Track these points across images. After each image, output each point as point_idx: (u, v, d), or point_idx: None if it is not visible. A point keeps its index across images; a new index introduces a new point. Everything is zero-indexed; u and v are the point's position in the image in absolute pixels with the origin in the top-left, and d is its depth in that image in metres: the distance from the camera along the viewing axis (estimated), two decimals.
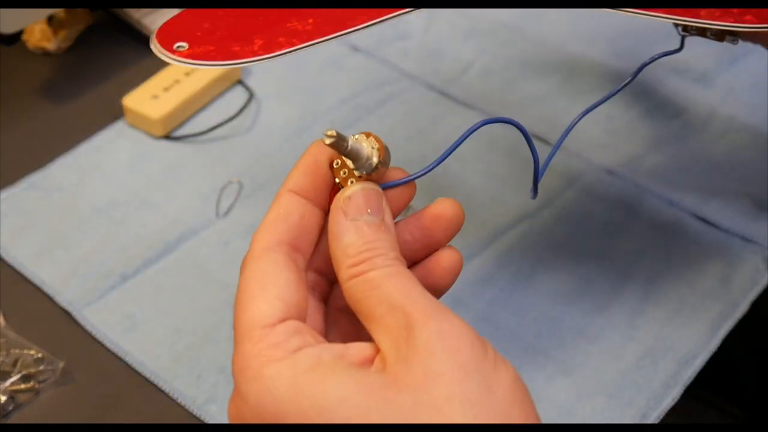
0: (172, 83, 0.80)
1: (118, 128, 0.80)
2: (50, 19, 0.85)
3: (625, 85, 0.59)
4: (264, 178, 0.76)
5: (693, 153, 0.78)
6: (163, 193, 0.75)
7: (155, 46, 0.47)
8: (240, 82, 0.84)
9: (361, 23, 0.50)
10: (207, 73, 0.81)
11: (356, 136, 0.42)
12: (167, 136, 0.79)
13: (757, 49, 0.84)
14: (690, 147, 0.78)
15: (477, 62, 0.86)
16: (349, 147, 0.42)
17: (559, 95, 0.83)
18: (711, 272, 0.69)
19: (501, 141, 0.78)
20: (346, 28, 0.51)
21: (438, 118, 0.81)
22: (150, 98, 0.79)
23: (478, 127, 0.46)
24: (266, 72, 0.85)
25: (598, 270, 0.69)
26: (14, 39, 0.87)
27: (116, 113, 0.81)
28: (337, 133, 0.41)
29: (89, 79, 0.85)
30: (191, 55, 0.47)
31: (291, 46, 0.48)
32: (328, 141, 0.40)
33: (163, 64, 0.83)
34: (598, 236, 0.71)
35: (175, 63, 0.46)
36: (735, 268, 0.69)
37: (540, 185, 0.57)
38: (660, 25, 0.76)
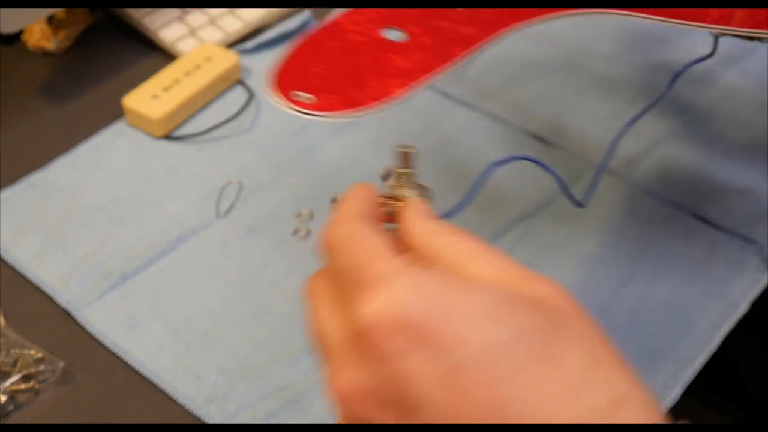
0: (172, 83, 0.80)
1: (118, 128, 0.80)
2: (50, 19, 0.85)
3: (662, 96, 0.58)
4: (264, 178, 0.76)
5: (693, 153, 0.78)
6: (163, 193, 0.75)
7: (276, 98, 0.50)
8: (240, 82, 0.84)
9: (458, 57, 0.53)
10: (207, 73, 0.81)
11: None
12: (167, 136, 0.79)
13: (759, 49, 0.84)
14: (690, 146, 0.78)
15: (477, 62, 0.86)
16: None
17: (559, 95, 0.83)
18: (711, 272, 0.69)
19: (498, 141, 0.78)
20: (448, 61, 0.53)
21: (438, 118, 0.81)
22: (150, 98, 0.79)
23: (500, 165, 0.48)
24: (266, 72, 0.85)
25: (598, 270, 0.69)
26: (14, 39, 0.87)
27: (116, 113, 0.81)
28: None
29: (89, 79, 0.85)
30: (318, 107, 0.48)
31: (404, 87, 0.52)
32: (409, 150, 0.46)
33: (163, 64, 0.83)
34: (598, 236, 0.71)
35: (307, 117, 0.47)
36: (735, 268, 0.69)
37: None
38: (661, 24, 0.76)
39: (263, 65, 0.86)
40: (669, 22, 0.55)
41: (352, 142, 0.79)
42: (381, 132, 0.80)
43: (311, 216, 0.74)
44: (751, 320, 0.68)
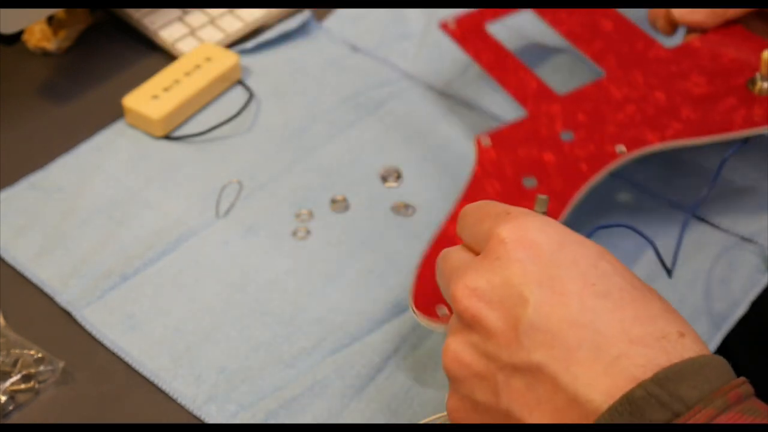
0: (172, 83, 0.80)
1: (118, 128, 0.80)
2: (50, 19, 0.85)
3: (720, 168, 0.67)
4: (264, 178, 0.76)
5: (693, 152, 0.78)
6: (163, 193, 0.75)
7: (425, 321, 0.59)
8: (240, 82, 0.84)
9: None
10: (207, 73, 0.81)
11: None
12: (167, 136, 0.79)
13: None
14: (690, 146, 0.78)
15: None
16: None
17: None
18: (711, 272, 0.69)
19: None
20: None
21: (438, 118, 0.81)
22: (150, 98, 0.79)
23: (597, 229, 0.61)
24: (266, 72, 0.85)
25: None
26: (14, 39, 0.87)
27: (116, 113, 0.81)
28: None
29: (89, 79, 0.85)
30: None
31: None
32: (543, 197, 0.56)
33: (163, 64, 0.83)
34: (598, 236, 0.71)
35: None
36: (735, 268, 0.69)
37: None
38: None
39: (263, 65, 0.86)
40: (702, 141, 0.67)
41: (351, 142, 0.79)
42: (380, 131, 0.80)
43: (311, 216, 0.74)
44: (751, 320, 0.68)
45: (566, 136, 0.68)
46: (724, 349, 0.66)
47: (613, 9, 0.76)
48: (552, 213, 0.60)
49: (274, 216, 0.73)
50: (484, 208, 0.52)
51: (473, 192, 0.65)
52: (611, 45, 0.75)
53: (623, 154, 0.66)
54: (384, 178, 0.76)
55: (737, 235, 0.71)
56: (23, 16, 0.79)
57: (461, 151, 0.78)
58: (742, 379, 0.46)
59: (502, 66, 0.75)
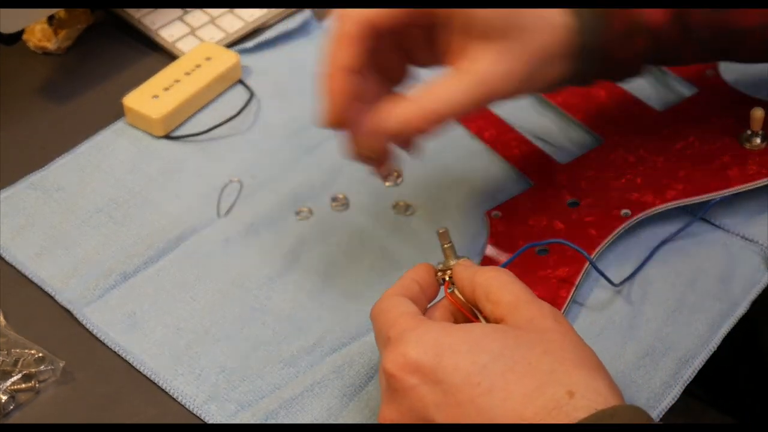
0: (172, 83, 0.80)
1: (118, 128, 0.80)
2: (50, 19, 0.85)
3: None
4: (264, 178, 0.76)
5: None
6: (164, 193, 0.75)
7: None
8: (240, 82, 0.84)
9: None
10: (207, 72, 0.81)
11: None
12: (167, 136, 0.79)
13: None
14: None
15: None
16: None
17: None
18: (711, 272, 0.69)
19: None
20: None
21: None
22: (150, 98, 0.79)
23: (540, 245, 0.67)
24: (266, 71, 0.85)
25: (592, 280, 0.68)
26: (14, 39, 0.87)
27: (116, 113, 0.81)
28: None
29: (89, 79, 0.85)
30: None
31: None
32: (443, 230, 0.60)
33: (163, 64, 0.83)
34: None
35: None
36: (735, 268, 0.69)
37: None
38: None
39: (263, 65, 0.86)
40: (701, 199, 0.70)
41: None
42: None
43: (311, 215, 0.74)
44: (751, 320, 0.68)
45: (572, 203, 0.70)
46: (723, 349, 0.66)
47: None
48: (568, 278, 0.66)
49: (274, 215, 0.73)
50: (376, 324, 0.56)
51: (487, 263, 0.67)
52: (606, 112, 0.78)
53: (628, 216, 0.69)
54: (384, 178, 0.76)
55: (738, 235, 0.71)
56: (23, 15, 0.79)
57: (461, 151, 0.78)
58: (658, 424, 0.50)
59: (505, 141, 0.77)
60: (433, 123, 0.59)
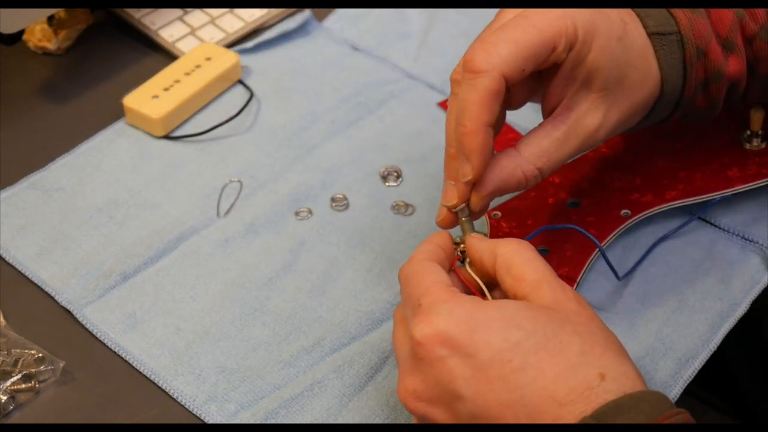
0: (172, 83, 0.80)
1: (118, 128, 0.80)
2: (50, 19, 0.85)
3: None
4: (264, 177, 0.76)
5: None
6: (164, 193, 0.75)
7: None
8: (240, 82, 0.84)
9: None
10: (207, 72, 0.81)
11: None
12: (167, 136, 0.79)
13: None
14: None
15: None
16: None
17: None
18: (711, 272, 0.69)
19: None
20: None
21: (438, 118, 0.81)
22: (150, 98, 0.79)
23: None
24: (266, 72, 0.85)
25: (597, 270, 0.69)
26: (15, 39, 0.87)
27: (116, 113, 0.81)
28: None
29: (89, 79, 0.85)
30: None
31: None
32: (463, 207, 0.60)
33: (163, 64, 0.83)
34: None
35: None
36: (735, 268, 0.69)
37: None
38: None
39: (263, 65, 0.86)
40: (702, 199, 0.70)
41: (351, 141, 0.79)
42: (381, 131, 0.80)
43: (311, 215, 0.74)
44: (751, 320, 0.68)
45: (572, 204, 0.70)
46: (723, 349, 0.66)
47: None
48: (568, 277, 0.65)
49: (274, 215, 0.73)
50: (407, 287, 0.55)
51: None
52: None
53: (628, 216, 0.69)
54: (384, 178, 0.77)
55: (738, 235, 0.71)
56: (23, 16, 0.79)
57: None
58: (680, 410, 0.49)
59: (505, 141, 0.76)
60: (538, 182, 0.61)
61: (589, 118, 0.60)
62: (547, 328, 0.51)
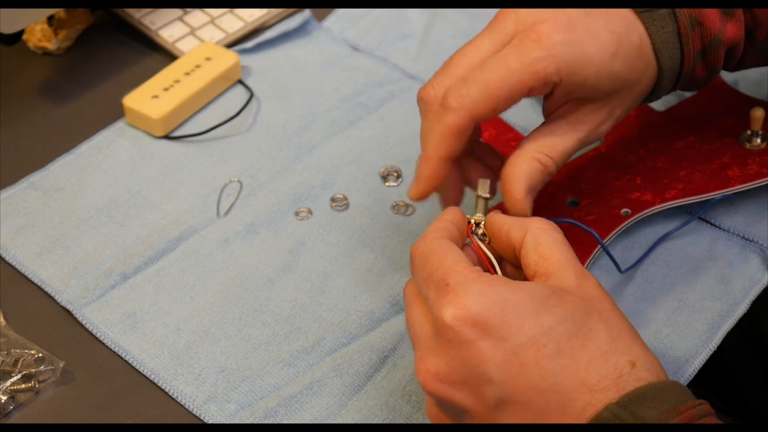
0: (172, 83, 0.80)
1: (118, 128, 0.80)
2: (50, 19, 0.85)
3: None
4: (264, 178, 0.76)
5: None
6: (164, 193, 0.75)
7: None
8: (240, 82, 0.84)
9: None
10: (207, 72, 0.81)
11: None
12: (167, 136, 0.79)
13: None
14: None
15: None
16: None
17: None
18: (711, 272, 0.69)
19: None
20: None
21: None
22: (150, 98, 0.79)
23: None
24: (266, 72, 0.85)
25: (598, 271, 0.69)
26: (15, 39, 0.87)
27: (116, 113, 0.81)
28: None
29: (89, 79, 0.85)
30: None
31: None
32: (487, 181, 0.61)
33: (163, 64, 0.83)
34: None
35: None
36: (735, 268, 0.69)
37: None
38: None
39: (263, 65, 0.86)
40: (701, 198, 0.69)
41: (351, 141, 0.79)
42: (381, 131, 0.80)
43: (311, 215, 0.74)
44: (751, 320, 0.68)
45: (572, 203, 0.70)
46: (723, 349, 0.66)
47: None
48: None
49: (274, 215, 0.73)
50: (427, 265, 0.54)
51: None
52: None
53: (628, 216, 0.69)
54: (384, 178, 0.77)
55: (738, 235, 0.71)
56: (23, 16, 0.79)
57: None
58: (700, 401, 0.49)
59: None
60: (555, 172, 0.61)
61: (592, 118, 0.61)
62: (576, 315, 0.51)
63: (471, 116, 0.58)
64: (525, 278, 0.56)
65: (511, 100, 0.58)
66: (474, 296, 0.50)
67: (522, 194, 0.60)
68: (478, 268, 0.53)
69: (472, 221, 0.59)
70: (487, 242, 0.59)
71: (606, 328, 0.51)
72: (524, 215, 0.60)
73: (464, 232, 0.58)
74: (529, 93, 0.58)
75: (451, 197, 0.63)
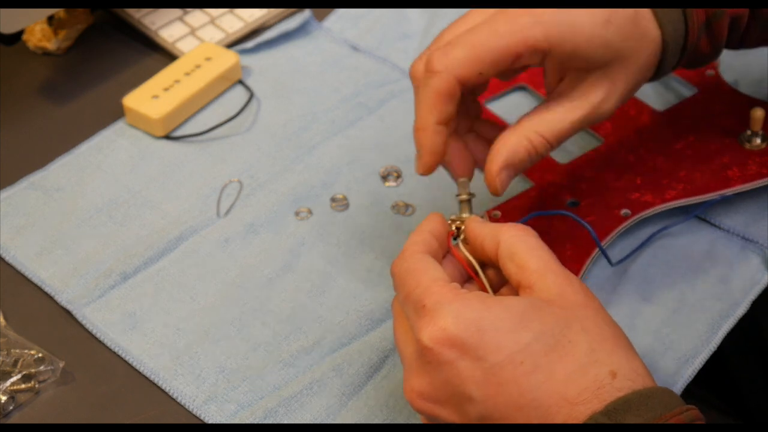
0: (172, 83, 0.80)
1: (118, 128, 0.80)
2: (50, 19, 0.85)
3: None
4: (264, 177, 0.76)
5: None
6: (163, 193, 0.75)
7: None
8: (240, 82, 0.84)
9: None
10: (207, 72, 0.81)
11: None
12: (167, 136, 0.79)
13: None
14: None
15: None
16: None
17: None
18: (711, 272, 0.69)
19: None
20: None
21: None
22: (150, 98, 0.79)
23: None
24: (266, 72, 0.85)
25: (598, 270, 0.69)
26: (14, 39, 0.87)
27: (116, 113, 0.81)
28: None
29: (89, 79, 0.85)
30: None
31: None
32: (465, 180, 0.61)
33: (163, 64, 0.83)
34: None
35: None
36: (735, 268, 0.69)
37: None
38: None
39: (263, 65, 0.86)
40: (701, 198, 0.69)
41: (351, 141, 0.79)
42: (380, 131, 0.80)
43: (311, 215, 0.74)
44: (751, 320, 0.68)
45: (572, 203, 0.70)
46: (723, 349, 0.66)
47: None
48: None
49: (274, 215, 0.73)
50: (405, 285, 0.54)
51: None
52: None
53: (628, 216, 0.69)
54: (384, 178, 0.77)
55: (738, 235, 0.71)
56: (23, 16, 0.79)
57: None
58: (689, 406, 0.49)
59: None
60: (549, 151, 0.60)
61: (593, 93, 0.60)
62: (555, 328, 0.51)
63: (456, 78, 0.57)
64: (508, 283, 0.56)
65: (497, 65, 0.57)
66: (450, 318, 0.51)
67: (496, 169, 0.58)
68: (455, 285, 0.53)
69: (453, 227, 0.58)
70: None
71: (586, 338, 0.51)
72: (495, 192, 0.59)
73: (444, 242, 0.58)
74: (517, 59, 0.57)
75: (460, 168, 0.62)
